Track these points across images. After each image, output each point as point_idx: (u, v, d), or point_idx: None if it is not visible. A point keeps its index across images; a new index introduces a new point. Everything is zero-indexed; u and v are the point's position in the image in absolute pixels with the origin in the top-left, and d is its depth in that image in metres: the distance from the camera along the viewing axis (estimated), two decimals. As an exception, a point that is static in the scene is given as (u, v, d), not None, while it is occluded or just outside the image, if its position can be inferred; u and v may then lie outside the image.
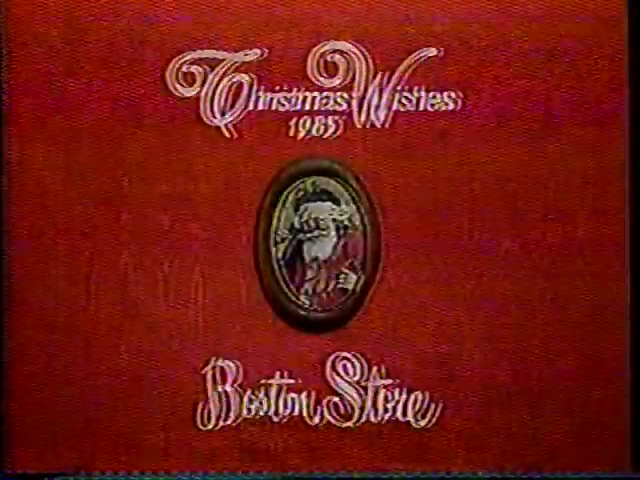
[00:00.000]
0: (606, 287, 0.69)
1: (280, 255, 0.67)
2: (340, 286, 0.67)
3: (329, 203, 0.68)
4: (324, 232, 0.67)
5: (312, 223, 0.67)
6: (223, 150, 0.72)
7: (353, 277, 0.67)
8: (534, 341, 0.69)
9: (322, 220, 0.67)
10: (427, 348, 0.70)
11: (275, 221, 0.69)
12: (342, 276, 0.67)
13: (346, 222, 0.68)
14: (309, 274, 0.67)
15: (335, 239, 0.68)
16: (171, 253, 0.70)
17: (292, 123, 0.72)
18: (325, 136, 0.71)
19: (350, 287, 0.67)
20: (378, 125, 0.71)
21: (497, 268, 0.70)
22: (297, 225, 0.68)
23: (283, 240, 0.67)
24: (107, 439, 0.69)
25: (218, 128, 0.71)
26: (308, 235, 0.68)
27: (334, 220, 0.68)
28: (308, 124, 0.72)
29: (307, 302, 0.68)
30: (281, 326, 0.70)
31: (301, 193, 0.69)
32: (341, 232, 0.68)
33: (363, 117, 0.71)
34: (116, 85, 0.70)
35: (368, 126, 0.71)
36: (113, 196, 0.70)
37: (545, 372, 0.69)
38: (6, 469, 0.65)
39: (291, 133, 0.72)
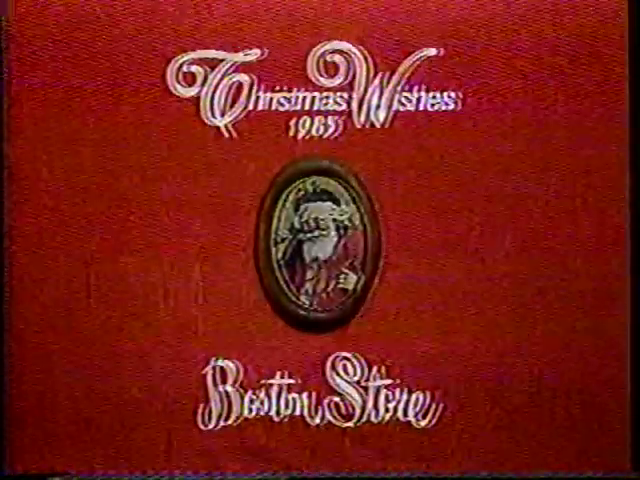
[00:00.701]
0: (606, 287, 0.69)
1: (280, 255, 0.67)
2: (340, 286, 0.67)
3: (329, 203, 0.68)
4: (324, 232, 0.67)
5: (312, 223, 0.68)
6: (223, 150, 0.71)
7: (353, 277, 0.67)
8: (534, 341, 0.69)
9: (322, 220, 0.67)
10: (428, 348, 0.70)
11: (275, 221, 0.69)
12: (342, 276, 0.67)
13: (346, 222, 0.68)
14: (309, 274, 0.67)
15: (335, 239, 0.68)
16: (171, 253, 0.70)
17: (292, 123, 0.71)
18: (325, 136, 0.71)
19: (350, 287, 0.67)
20: (378, 125, 0.71)
21: (498, 267, 0.69)
22: (297, 225, 0.68)
23: (283, 240, 0.67)
24: (107, 439, 0.69)
25: (218, 128, 0.71)
26: (308, 235, 0.68)
27: (334, 220, 0.68)
28: (308, 124, 0.71)
29: (307, 302, 0.68)
30: (281, 326, 0.70)
31: (301, 193, 0.68)
32: (341, 232, 0.68)
33: (363, 117, 0.71)
34: (116, 85, 0.70)
35: (368, 126, 0.70)
36: (112, 196, 0.70)
37: (545, 372, 0.69)
38: (6, 469, 0.65)
39: (291, 133, 0.71)
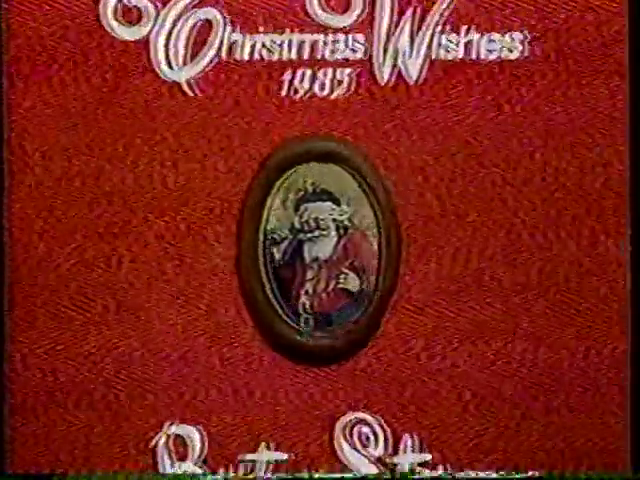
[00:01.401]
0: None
1: (278, 256, 0.64)
2: (340, 286, 0.64)
3: (329, 203, 0.64)
4: (324, 232, 0.64)
5: (312, 223, 0.64)
6: (185, 117, 0.64)
7: (353, 277, 0.64)
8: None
9: (322, 220, 0.64)
10: (474, 401, 0.64)
11: (264, 219, 0.64)
12: (342, 276, 0.64)
13: (346, 222, 0.65)
14: (309, 274, 0.64)
15: (335, 239, 0.64)
16: (121, 259, 0.64)
17: (286, 78, 0.64)
18: (334, 97, 0.64)
19: (350, 287, 0.64)
20: (410, 81, 0.64)
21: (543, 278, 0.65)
22: (297, 225, 0.64)
23: (281, 241, 0.65)
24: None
25: (177, 85, 0.64)
26: (308, 235, 0.64)
27: (334, 220, 0.64)
28: (308, 80, 0.64)
29: (307, 302, 0.64)
30: (271, 359, 0.64)
31: (301, 193, 0.64)
32: (341, 232, 0.64)
33: (387, 70, 0.64)
34: (45, 26, 0.64)
35: (394, 81, 0.64)
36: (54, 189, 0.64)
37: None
38: (6, 469, 0.64)
39: (284, 92, 0.64)
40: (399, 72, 0.64)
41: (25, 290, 0.65)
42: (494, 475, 0.65)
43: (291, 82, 0.64)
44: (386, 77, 0.64)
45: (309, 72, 0.64)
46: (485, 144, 0.64)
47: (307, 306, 0.64)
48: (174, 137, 0.64)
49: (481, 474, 0.65)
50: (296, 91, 0.64)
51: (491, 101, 0.65)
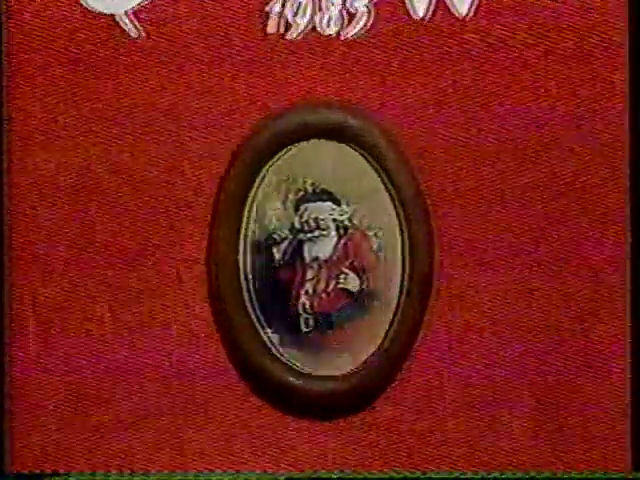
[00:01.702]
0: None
1: (278, 256, 0.62)
2: (340, 286, 0.62)
3: (329, 203, 0.63)
4: (324, 232, 0.63)
5: (312, 223, 0.62)
6: (127, 68, 0.54)
7: (353, 277, 0.62)
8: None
9: (322, 220, 0.63)
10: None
11: (246, 216, 0.58)
12: (342, 276, 0.63)
13: (346, 222, 0.63)
14: (310, 274, 0.62)
15: (335, 239, 0.62)
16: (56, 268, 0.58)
17: (272, 9, 0.54)
18: (345, 37, 0.54)
19: (350, 287, 0.62)
20: (458, 15, 0.54)
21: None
22: (297, 225, 0.61)
23: (281, 241, 0.62)
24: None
25: (112, 19, 0.54)
26: (309, 235, 0.62)
27: (334, 220, 0.63)
28: (305, 13, 0.54)
29: (307, 303, 0.61)
30: (253, 416, 0.56)
31: (301, 193, 0.62)
32: (341, 232, 0.62)
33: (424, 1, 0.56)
34: None
35: (431, 14, 0.55)
36: None
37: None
38: (6, 469, 0.65)
39: (270, 30, 0.54)
40: (441, 2, 0.55)
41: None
42: (494, 475, 0.62)
43: (280, 15, 0.55)
44: (422, 10, 0.55)
45: (309, 2, 0.55)
46: (552, 95, 0.54)
47: (307, 306, 0.61)
48: (114, 99, 0.55)
49: (481, 473, 0.61)
50: (288, 28, 0.55)
51: (568, 40, 0.55)
